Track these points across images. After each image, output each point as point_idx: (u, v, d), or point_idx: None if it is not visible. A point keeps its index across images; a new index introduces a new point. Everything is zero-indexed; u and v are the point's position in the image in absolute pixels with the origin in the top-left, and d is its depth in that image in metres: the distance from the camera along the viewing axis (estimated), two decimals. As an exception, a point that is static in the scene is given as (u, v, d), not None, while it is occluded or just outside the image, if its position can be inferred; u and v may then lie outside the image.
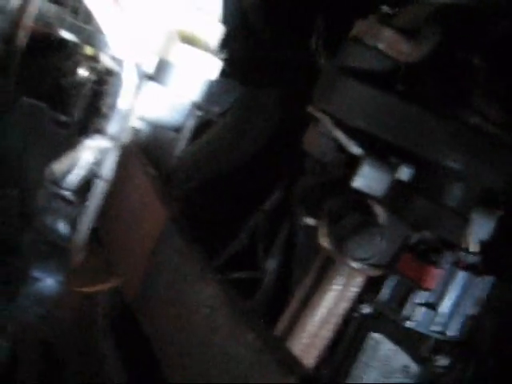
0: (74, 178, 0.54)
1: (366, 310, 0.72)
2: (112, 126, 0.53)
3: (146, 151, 0.70)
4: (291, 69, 0.86)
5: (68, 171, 0.53)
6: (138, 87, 0.53)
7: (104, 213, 0.66)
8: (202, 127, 0.79)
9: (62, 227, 0.54)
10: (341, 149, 0.61)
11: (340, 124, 0.61)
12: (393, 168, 0.60)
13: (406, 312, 0.68)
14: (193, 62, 0.63)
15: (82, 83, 0.72)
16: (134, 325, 0.61)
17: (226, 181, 0.99)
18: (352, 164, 0.60)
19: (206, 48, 0.66)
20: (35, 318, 0.54)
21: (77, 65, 0.71)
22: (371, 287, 0.71)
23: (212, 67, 0.65)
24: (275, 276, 0.89)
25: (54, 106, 0.71)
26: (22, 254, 0.53)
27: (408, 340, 0.69)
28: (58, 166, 0.54)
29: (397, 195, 0.60)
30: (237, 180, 0.98)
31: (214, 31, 0.68)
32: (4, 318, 0.54)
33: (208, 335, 0.48)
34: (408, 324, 0.67)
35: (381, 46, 0.59)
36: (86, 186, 0.59)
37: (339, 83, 0.60)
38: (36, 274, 0.52)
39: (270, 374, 0.41)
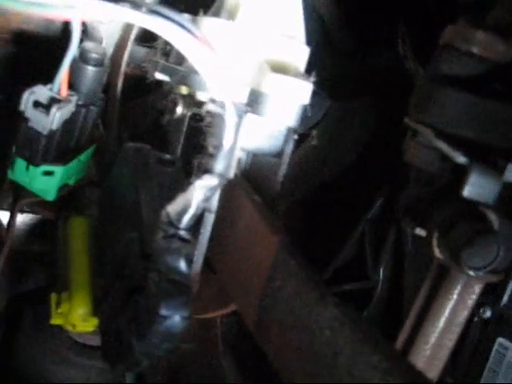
0: (189, 217, 0.56)
1: (487, 314, 0.70)
2: (219, 165, 0.55)
3: (248, 180, 0.72)
4: (381, 78, 0.86)
5: (182, 212, 0.55)
6: (239, 125, 0.55)
7: (213, 242, 0.68)
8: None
9: (183, 265, 0.56)
10: (445, 158, 0.61)
11: (440, 134, 0.60)
12: (501, 171, 0.58)
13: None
14: (285, 90, 0.64)
15: (180, 121, 0.75)
16: (254, 345, 0.63)
17: (326, 193, 1.00)
18: (458, 172, 0.60)
19: (295, 73, 0.67)
20: (165, 353, 0.57)
21: (174, 103, 0.74)
22: (491, 290, 0.70)
23: (304, 91, 0.66)
24: (387, 285, 0.88)
25: (156, 145, 0.74)
26: (148, 293, 0.56)
27: None
28: (172, 208, 0.56)
29: (508, 199, 0.58)
30: (336, 191, 0.98)
31: (301, 54, 0.69)
32: (138, 355, 0.57)
33: (332, 358, 0.48)
34: None
35: (475, 49, 0.58)
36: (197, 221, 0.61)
37: (436, 93, 0.59)
38: (163, 312, 0.53)
39: None
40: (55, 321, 0.74)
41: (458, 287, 0.67)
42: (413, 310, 0.73)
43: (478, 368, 0.70)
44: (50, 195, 0.73)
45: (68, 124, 0.70)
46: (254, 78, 0.65)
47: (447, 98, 0.58)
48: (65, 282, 0.74)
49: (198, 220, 0.61)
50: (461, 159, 0.57)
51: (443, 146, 0.59)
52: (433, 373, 0.71)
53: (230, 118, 0.54)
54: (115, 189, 0.73)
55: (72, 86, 0.69)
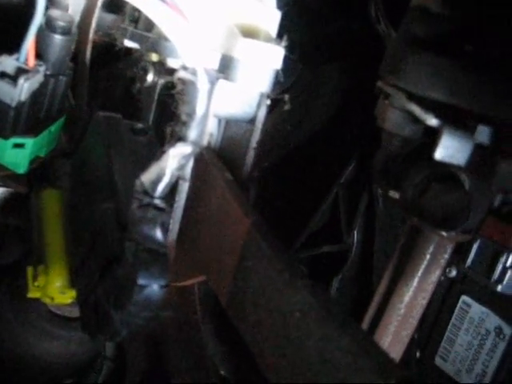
0: (163, 186, 0.56)
1: (453, 273, 0.72)
2: (192, 132, 0.55)
3: (221, 151, 0.72)
4: (351, 41, 0.85)
5: (157, 180, 0.55)
6: (211, 91, 0.54)
7: (185, 219, 0.68)
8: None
9: (159, 234, 0.56)
10: (416, 120, 0.61)
11: (412, 96, 0.60)
12: (471, 133, 0.59)
13: (495, 276, 0.68)
14: (256, 55, 0.64)
15: (151, 88, 0.74)
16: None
17: (299, 158, 1.00)
18: (430, 135, 0.60)
19: (266, 37, 0.67)
20: (144, 322, 0.57)
21: (144, 71, 0.73)
22: (455, 250, 0.72)
23: (275, 56, 0.65)
24: (361, 247, 0.90)
25: (127, 114, 0.73)
26: (125, 263, 0.56)
27: (499, 302, 0.70)
28: (146, 177, 0.55)
29: (479, 160, 0.59)
30: (309, 156, 0.99)
31: (272, 18, 0.69)
32: (118, 324, 0.57)
33: (302, 339, 0.49)
34: (499, 288, 0.68)
35: (445, 10, 0.58)
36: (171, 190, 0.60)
37: (407, 55, 0.59)
38: (141, 281, 0.53)
39: (369, 377, 0.42)
40: (32, 294, 0.74)
41: (431, 247, 0.69)
42: (387, 271, 0.74)
43: (442, 323, 0.73)
44: (22, 168, 0.71)
45: (37, 95, 0.68)
46: (224, 44, 0.64)
47: (418, 61, 0.59)
48: (40, 255, 0.74)
49: (173, 188, 0.61)
50: (432, 121, 0.58)
51: (415, 108, 0.60)
52: (407, 331, 0.73)
53: (202, 85, 0.53)
54: (87, 159, 0.72)
55: (39, 55, 0.67)
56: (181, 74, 0.53)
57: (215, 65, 0.62)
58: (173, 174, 0.55)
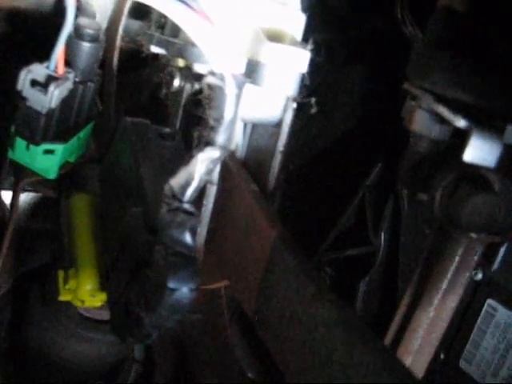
0: (192, 190, 0.56)
1: (479, 276, 0.72)
2: (220, 137, 0.55)
3: (247, 155, 0.72)
4: (377, 42, 0.85)
5: (186, 185, 0.56)
6: (239, 96, 0.55)
7: (212, 222, 0.69)
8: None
9: (188, 238, 0.56)
10: (444, 122, 0.61)
11: (440, 98, 0.60)
12: (500, 134, 0.59)
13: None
14: (282, 58, 0.64)
15: (178, 93, 0.74)
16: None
17: (325, 160, 1.00)
18: (458, 136, 0.60)
19: (292, 41, 0.67)
20: (174, 324, 0.58)
21: (170, 76, 0.74)
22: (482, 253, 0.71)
23: (301, 59, 0.66)
24: (389, 249, 0.89)
25: (154, 119, 0.73)
26: (155, 267, 0.56)
27: None
28: (175, 181, 0.56)
29: (509, 161, 0.59)
30: (335, 159, 0.99)
31: (297, 22, 0.69)
32: (148, 327, 0.57)
33: (327, 355, 0.49)
34: None
35: (474, 12, 0.58)
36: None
37: (435, 57, 0.59)
38: (171, 285, 0.54)
39: None
40: (64, 297, 0.75)
41: (460, 249, 0.68)
42: (415, 274, 0.74)
43: (468, 326, 0.72)
44: (52, 174, 0.73)
45: (66, 102, 0.69)
46: (250, 48, 0.65)
47: (446, 62, 0.58)
48: (70, 258, 0.75)
49: (201, 192, 0.61)
50: (461, 123, 0.58)
51: (443, 110, 0.59)
52: (436, 333, 0.73)
53: (230, 90, 0.54)
54: (116, 164, 0.73)
55: (68, 63, 0.69)
56: (209, 79, 0.54)
57: (242, 69, 0.63)
58: (201, 179, 0.56)
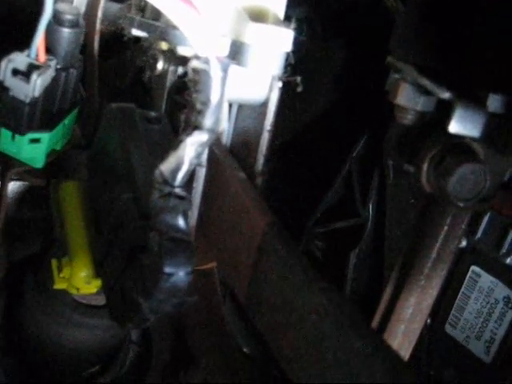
0: (182, 174, 0.56)
1: (463, 244, 0.73)
2: (208, 120, 0.55)
3: (234, 136, 0.72)
4: (359, 15, 0.85)
5: (176, 169, 0.55)
6: (225, 79, 0.55)
7: (202, 205, 0.69)
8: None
9: (181, 222, 0.56)
10: (429, 94, 0.61)
11: (424, 70, 0.60)
12: (483, 104, 0.59)
13: (505, 249, 0.69)
14: (266, 38, 0.64)
15: (162, 76, 0.74)
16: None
17: (309, 134, 1.01)
18: (443, 108, 0.61)
19: (275, 21, 0.67)
20: (172, 308, 0.58)
21: (154, 59, 0.73)
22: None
23: (285, 39, 0.66)
24: (377, 220, 0.91)
25: (139, 102, 0.73)
26: (150, 252, 0.56)
27: (508, 273, 0.71)
28: (165, 166, 0.56)
29: (494, 130, 0.60)
30: (320, 132, 0.99)
31: (279, 1, 0.69)
32: (146, 312, 0.58)
33: (318, 341, 0.51)
34: (508, 260, 0.69)
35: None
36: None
37: (417, 30, 0.59)
38: (167, 269, 0.54)
39: (381, 378, 0.43)
40: (59, 285, 0.75)
41: (448, 218, 0.69)
42: (404, 244, 0.75)
43: (452, 292, 0.74)
44: (39, 163, 0.72)
45: (49, 89, 0.69)
46: (233, 29, 0.65)
47: (428, 34, 0.59)
48: (63, 247, 0.75)
49: (191, 176, 0.62)
50: (445, 95, 0.58)
51: (427, 82, 0.60)
52: (427, 301, 0.74)
53: (215, 74, 0.53)
54: (103, 151, 0.73)
55: (49, 50, 0.68)
56: (194, 63, 0.53)
57: (226, 51, 0.62)
58: (191, 163, 0.56)
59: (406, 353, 0.77)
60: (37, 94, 0.66)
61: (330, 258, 0.99)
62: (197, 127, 0.55)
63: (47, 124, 0.71)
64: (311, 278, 0.53)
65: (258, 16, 0.64)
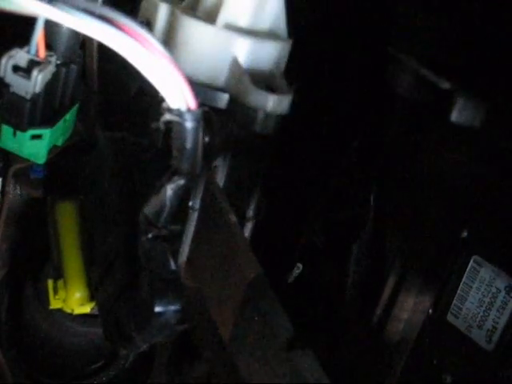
0: (165, 216, 0.58)
1: (464, 233, 0.74)
2: (184, 166, 0.56)
3: (228, 180, 0.73)
4: (359, 7, 0.85)
5: (159, 212, 0.58)
6: (198, 128, 0.55)
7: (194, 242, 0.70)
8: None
9: (170, 263, 0.59)
10: (430, 85, 0.61)
11: (424, 61, 0.61)
12: (483, 93, 0.60)
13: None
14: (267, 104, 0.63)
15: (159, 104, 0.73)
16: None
17: (310, 126, 1.00)
18: (444, 98, 0.61)
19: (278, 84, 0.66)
20: (163, 338, 0.62)
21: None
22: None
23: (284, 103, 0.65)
24: (378, 211, 0.91)
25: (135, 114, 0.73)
26: (142, 291, 0.59)
27: (510, 262, 0.71)
28: (149, 210, 0.58)
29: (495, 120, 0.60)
30: (320, 123, 0.99)
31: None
32: (139, 342, 0.62)
33: None
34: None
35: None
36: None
37: (419, 20, 0.59)
38: (158, 309, 0.57)
39: None
40: (54, 305, 0.78)
41: (450, 209, 0.70)
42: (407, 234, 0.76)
43: (454, 282, 0.75)
44: (41, 158, 0.72)
45: (50, 85, 0.69)
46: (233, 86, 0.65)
47: (429, 25, 0.59)
48: (59, 269, 0.76)
49: (181, 212, 0.64)
50: (446, 85, 0.58)
51: (427, 72, 0.60)
52: (429, 291, 0.75)
53: (188, 125, 0.54)
54: (97, 179, 0.73)
55: (49, 46, 0.68)
56: (166, 117, 0.54)
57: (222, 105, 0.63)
58: (173, 204, 0.58)
59: (408, 342, 0.77)
60: (38, 90, 0.66)
61: (332, 250, 0.99)
62: (174, 172, 0.56)
63: (48, 120, 0.71)
64: (288, 344, 0.54)
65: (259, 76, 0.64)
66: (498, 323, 0.72)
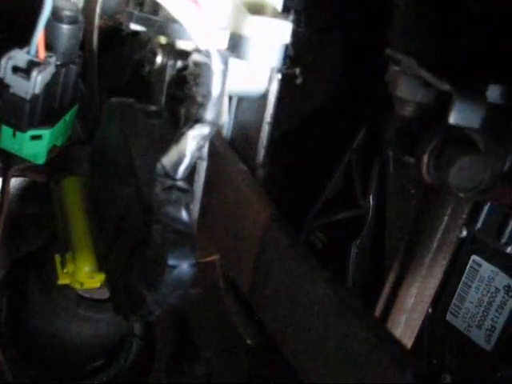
0: (184, 167, 0.56)
1: (463, 233, 0.74)
2: (209, 113, 0.55)
3: (235, 129, 0.72)
4: (358, 7, 0.85)
5: (178, 163, 0.56)
6: (225, 72, 0.55)
7: (204, 197, 0.69)
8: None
9: (184, 215, 0.56)
10: (428, 86, 0.62)
11: (423, 62, 0.61)
12: (483, 94, 0.60)
13: (505, 238, 0.70)
14: (265, 31, 0.64)
15: (161, 70, 0.74)
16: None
17: (309, 126, 1.01)
18: (442, 99, 0.61)
19: (274, 13, 0.67)
20: (177, 300, 0.58)
21: (153, 53, 0.73)
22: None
23: (284, 31, 0.66)
24: (377, 211, 0.91)
25: (138, 96, 0.73)
26: (154, 245, 0.57)
27: (508, 262, 0.71)
28: (167, 160, 0.56)
29: (493, 121, 0.60)
30: (319, 123, 0.99)
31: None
32: (151, 304, 0.58)
33: (323, 332, 0.51)
34: (509, 250, 0.69)
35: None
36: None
37: (417, 21, 0.59)
38: (171, 262, 0.54)
39: (386, 367, 0.44)
40: (63, 281, 0.76)
41: (449, 208, 0.70)
42: (405, 235, 0.76)
43: (453, 281, 0.75)
44: (40, 159, 0.73)
45: (50, 86, 0.69)
46: (232, 22, 0.65)
47: (427, 26, 0.59)
48: (66, 243, 0.75)
49: (192, 169, 0.62)
50: (444, 86, 0.58)
51: (426, 74, 0.60)
52: (429, 291, 0.75)
53: (216, 67, 0.54)
54: (104, 146, 0.73)
55: (49, 46, 0.68)
56: (195, 57, 0.54)
57: (226, 44, 0.63)
58: (193, 156, 0.56)
59: (408, 342, 0.77)
60: (37, 90, 0.67)
61: (332, 250, 0.99)
62: (198, 120, 0.55)
63: (48, 120, 0.71)
64: (314, 268, 0.53)
65: (256, 9, 0.64)
66: (496, 323, 0.72)
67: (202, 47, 0.54)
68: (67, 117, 0.75)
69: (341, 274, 0.93)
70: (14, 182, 0.87)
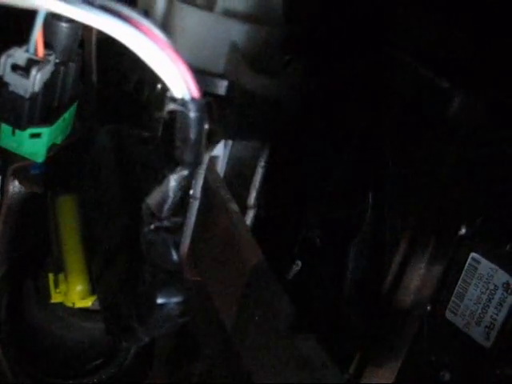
0: (168, 207, 0.58)
1: (462, 231, 0.74)
2: (188, 156, 0.55)
3: (227, 172, 0.73)
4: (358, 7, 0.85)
5: (162, 203, 0.57)
6: (202, 118, 0.55)
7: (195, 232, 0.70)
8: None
9: (173, 255, 0.58)
10: (429, 83, 0.62)
11: (422, 59, 0.61)
12: (482, 91, 0.60)
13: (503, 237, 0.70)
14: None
15: (160, 97, 0.72)
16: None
17: (307, 123, 1.00)
18: (442, 96, 0.61)
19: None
20: (167, 331, 0.61)
21: (153, 79, 0.72)
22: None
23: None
24: (377, 208, 0.91)
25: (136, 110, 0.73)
26: (144, 282, 0.59)
27: (507, 259, 0.72)
28: (152, 200, 0.57)
29: (493, 118, 0.60)
30: (316, 124, 0.99)
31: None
32: (141, 335, 0.61)
33: None
34: (508, 247, 0.70)
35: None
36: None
37: (418, 19, 0.60)
38: (159, 300, 0.57)
39: None
40: (55, 299, 0.77)
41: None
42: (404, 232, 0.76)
43: (452, 279, 0.75)
44: (40, 157, 0.73)
45: (49, 84, 0.69)
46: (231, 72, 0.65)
47: (428, 23, 0.59)
48: (59, 263, 0.76)
49: (184, 204, 0.63)
50: (445, 84, 0.59)
51: (426, 71, 0.60)
52: (428, 289, 0.75)
53: (192, 115, 0.54)
54: (97, 173, 0.73)
55: (48, 44, 0.68)
56: (170, 106, 0.54)
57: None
58: (175, 195, 0.57)
59: (407, 339, 0.78)
60: (37, 89, 0.67)
61: (330, 247, 0.99)
62: (178, 163, 0.56)
63: (47, 119, 0.71)
64: (291, 328, 0.55)
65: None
66: (495, 320, 0.73)
67: (177, 96, 0.54)
68: (66, 115, 0.75)
69: (340, 272, 0.94)
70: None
